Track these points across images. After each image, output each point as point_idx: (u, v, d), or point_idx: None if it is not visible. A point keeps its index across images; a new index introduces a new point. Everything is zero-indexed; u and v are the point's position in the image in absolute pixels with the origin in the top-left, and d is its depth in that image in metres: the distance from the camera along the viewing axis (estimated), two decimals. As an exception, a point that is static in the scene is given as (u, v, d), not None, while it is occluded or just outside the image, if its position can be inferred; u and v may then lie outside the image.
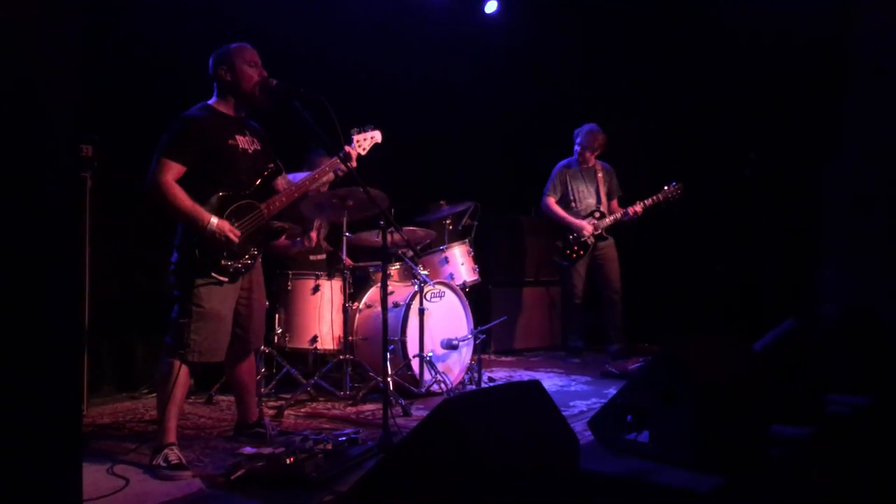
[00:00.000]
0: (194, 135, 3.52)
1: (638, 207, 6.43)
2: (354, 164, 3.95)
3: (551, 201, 6.67)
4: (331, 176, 3.98)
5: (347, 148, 3.98)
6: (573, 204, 6.64)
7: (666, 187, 6.42)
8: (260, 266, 3.90)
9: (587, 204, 6.64)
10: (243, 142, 3.68)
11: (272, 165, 3.78)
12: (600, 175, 6.67)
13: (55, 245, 1.96)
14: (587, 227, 6.50)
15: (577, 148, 6.67)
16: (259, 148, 3.77)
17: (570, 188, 6.65)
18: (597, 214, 6.57)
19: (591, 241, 6.52)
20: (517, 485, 2.11)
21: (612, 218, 6.53)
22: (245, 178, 3.66)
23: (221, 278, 3.56)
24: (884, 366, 3.95)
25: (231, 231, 3.51)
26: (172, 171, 3.45)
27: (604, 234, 6.55)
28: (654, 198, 6.42)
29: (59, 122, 2.00)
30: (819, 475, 3.11)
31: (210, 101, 3.69)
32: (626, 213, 6.47)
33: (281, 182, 3.89)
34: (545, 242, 7.64)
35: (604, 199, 6.63)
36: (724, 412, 3.03)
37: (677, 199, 6.42)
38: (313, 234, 5.35)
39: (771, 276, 6.49)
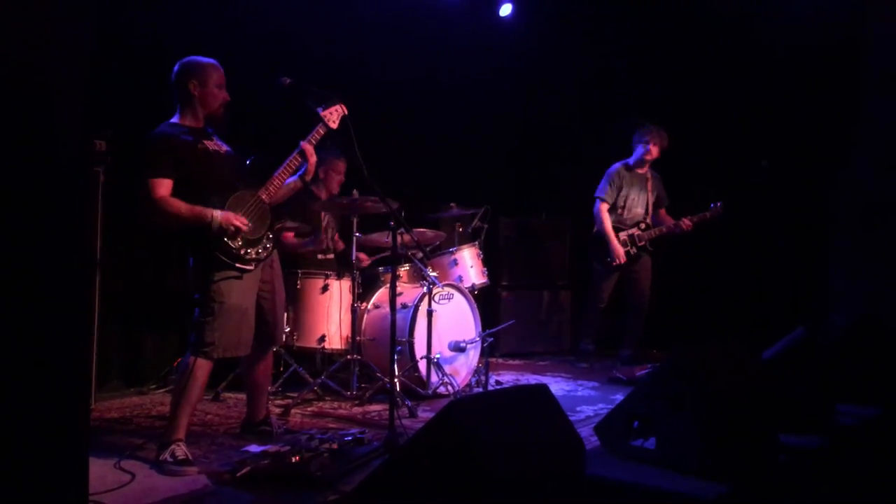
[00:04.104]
0: (165, 148, 3.57)
1: (689, 222, 6.34)
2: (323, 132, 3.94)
3: (604, 208, 6.48)
4: (319, 134, 3.94)
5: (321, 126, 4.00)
6: (621, 211, 6.50)
7: (712, 206, 6.33)
8: (278, 260, 3.97)
9: (635, 213, 6.52)
10: (211, 145, 3.73)
11: (252, 157, 3.85)
12: (650, 183, 6.56)
13: (64, 238, 1.96)
14: (622, 256, 6.36)
15: (644, 148, 6.46)
16: (229, 149, 3.82)
17: (622, 193, 6.49)
18: (642, 226, 6.49)
19: (633, 251, 6.44)
20: (522, 488, 2.10)
21: (657, 231, 6.46)
22: (228, 175, 3.72)
23: (246, 268, 3.62)
24: (893, 376, 3.93)
25: (237, 218, 3.57)
26: (164, 187, 3.53)
27: (648, 246, 6.48)
28: (703, 215, 6.33)
29: (68, 115, 2.01)
30: (827, 485, 3.10)
31: (173, 119, 3.73)
32: (677, 226, 6.37)
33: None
34: (555, 246, 7.64)
35: (650, 209, 6.56)
36: (732, 420, 3.01)
37: (721, 219, 6.35)
38: (323, 237, 5.39)
39: (781, 285, 6.47)
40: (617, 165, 6.58)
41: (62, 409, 1.90)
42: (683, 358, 3.16)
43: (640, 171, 6.55)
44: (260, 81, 4.41)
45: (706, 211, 6.34)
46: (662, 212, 6.61)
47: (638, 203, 6.52)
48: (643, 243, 6.45)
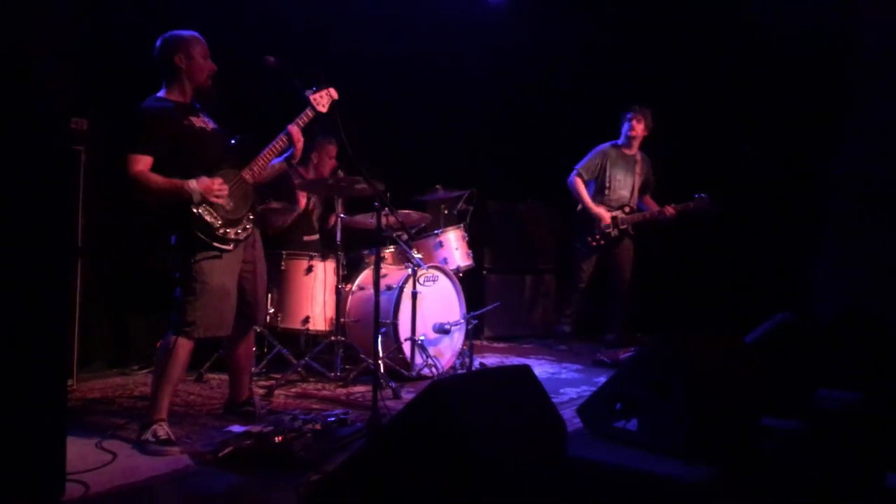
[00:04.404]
0: (152, 124, 3.54)
1: (672, 210, 6.30)
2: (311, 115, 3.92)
3: (579, 181, 6.45)
4: (308, 117, 3.92)
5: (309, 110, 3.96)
6: (606, 192, 6.45)
7: (696, 196, 6.27)
8: (260, 240, 3.94)
9: (620, 195, 6.46)
10: (198, 122, 3.70)
11: (237, 136, 3.82)
12: (639, 166, 6.51)
13: (42, 217, 1.94)
14: (606, 217, 6.36)
15: (627, 125, 6.43)
16: (216, 127, 3.79)
17: (607, 174, 6.45)
18: (626, 209, 6.44)
19: (614, 233, 6.43)
20: (503, 468, 2.10)
21: (641, 215, 6.42)
22: (213, 153, 3.68)
23: (225, 247, 3.59)
24: (878, 362, 3.96)
25: (213, 181, 3.54)
26: (143, 163, 3.48)
27: (630, 230, 6.46)
28: (686, 205, 6.28)
29: (48, 99, 1.98)
30: (808, 469, 3.11)
31: (160, 94, 3.69)
32: (661, 213, 6.33)
33: None
34: (541, 230, 7.64)
35: (636, 192, 6.52)
36: (715, 403, 3.02)
37: (705, 211, 6.29)
38: (301, 197, 5.36)
39: (768, 272, 6.49)
40: (605, 145, 6.56)
41: (38, 389, 1.88)
42: (668, 341, 3.16)
43: (627, 151, 6.51)
44: (247, 61, 4.36)
45: (690, 201, 6.32)
46: (647, 197, 6.58)
47: (624, 185, 6.48)
48: (625, 226, 6.42)
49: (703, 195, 6.27)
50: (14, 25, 1.89)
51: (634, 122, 6.41)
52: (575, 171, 6.51)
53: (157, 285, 5.07)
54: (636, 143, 6.49)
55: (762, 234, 6.59)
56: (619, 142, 6.52)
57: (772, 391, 3.43)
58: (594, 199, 6.44)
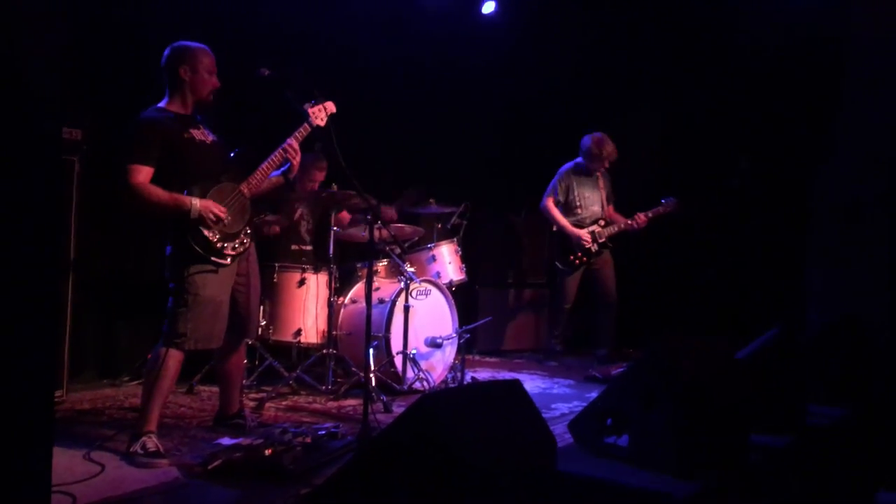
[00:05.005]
0: (151, 135, 3.53)
1: (644, 217, 6.36)
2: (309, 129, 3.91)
3: (550, 203, 6.53)
4: (306, 130, 3.93)
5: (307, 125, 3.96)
6: (578, 210, 6.51)
7: (664, 200, 6.37)
8: (255, 253, 3.93)
9: (593, 211, 6.52)
10: (198, 134, 3.69)
11: (237, 150, 3.83)
12: (601, 181, 6.59)
13: (32, 226, 1.93)
14: (585, 237, 6.41)
15: (583, 160, 6.52)
16: (215, 139, 3.79)
17: (576, 193, 6.52)
18: (601, 223, 6.49)
19: (594, 248, 6.47)
20: (490, 481, 2.10)
21: (616, 227, 6.47)
22: (212, 166, 3.68)
23: (221, 262, 3.59)
24: (865, 376, 3.97)
25: (216, 206, 3.54)
26: (142, 174, 3.48)
27: (608, 242, 6.50)
28: (655, 210, 6.36)
29: (38, 107, 1.97)
30: (798, 485, 3.12)
31: (161, 104, 3.69)
32: (634, 221, 6.38)
33: None
34: (534, 244, 7.64)
35: (605, 205, 6.59)
36: (705, 418, 3.03)
37: (674, 214, 6.37)
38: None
39: (759, 283, 6.50)
40: (567, 165, 6.64)
41: (23, 398, 1.87)
42: (658, 355, 3.17)
43: (589, 167, 6.56)
44: (246, 72, 4.36)
45: (658, 206, 6.38)
46: (610, 209, 6.63)
47: (594, 201, 6.56)
48: (603, 240, 6.48)
49: (670, 198, 6.37)
50: (5, 32, 1.89)
51: (589, 163, 6.49)
52: (546, 196, 6.60)
53: (149, 296, 5.07)
54: (598, 164, 6.54)
55: (753, 245, 6.61)
56: (582, 162, 6.57)
57: (761, 407, 3.43)
58: (567, 219, 6.49)
